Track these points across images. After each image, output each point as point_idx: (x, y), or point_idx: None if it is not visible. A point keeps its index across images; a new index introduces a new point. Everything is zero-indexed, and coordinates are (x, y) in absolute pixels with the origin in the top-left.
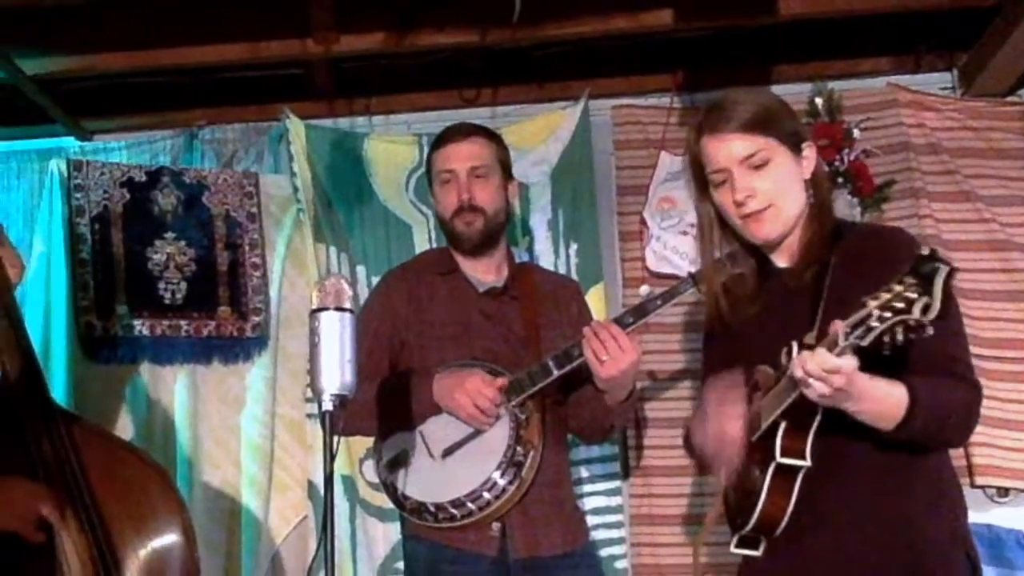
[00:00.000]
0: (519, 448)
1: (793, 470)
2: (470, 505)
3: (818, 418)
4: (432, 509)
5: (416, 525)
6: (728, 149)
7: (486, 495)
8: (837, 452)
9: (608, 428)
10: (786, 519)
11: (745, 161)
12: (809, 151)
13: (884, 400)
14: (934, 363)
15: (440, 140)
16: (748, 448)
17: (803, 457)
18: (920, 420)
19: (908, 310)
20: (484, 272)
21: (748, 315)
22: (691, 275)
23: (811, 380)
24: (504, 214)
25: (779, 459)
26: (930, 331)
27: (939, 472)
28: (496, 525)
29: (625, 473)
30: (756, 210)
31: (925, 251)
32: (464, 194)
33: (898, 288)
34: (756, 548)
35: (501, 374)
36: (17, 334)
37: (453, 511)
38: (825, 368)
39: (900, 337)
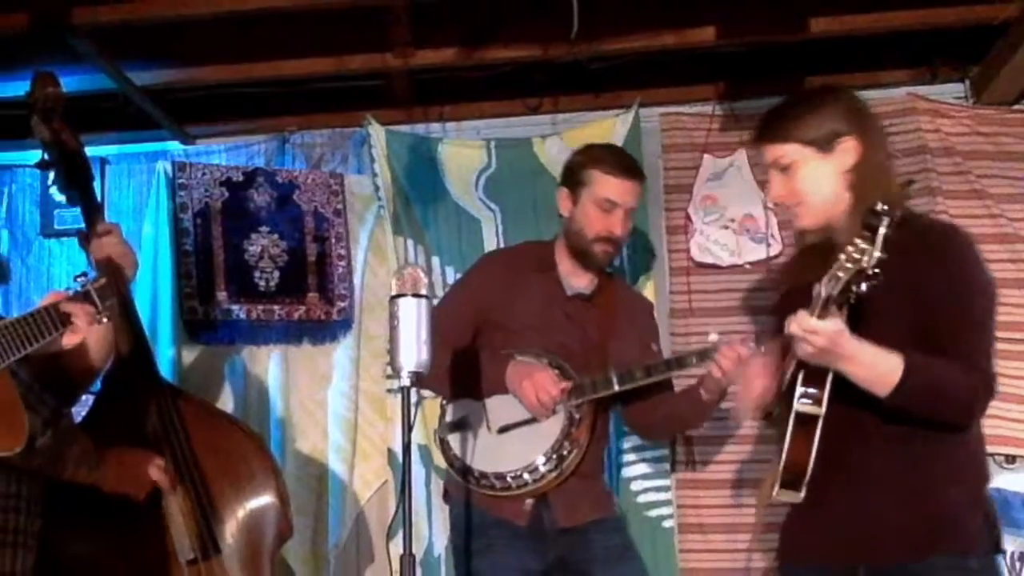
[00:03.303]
0: (566, 443)
1: (812, 419)
2: (510, 480)
3: (831, 373)
4: (476, 474)
5: (459, 485)
6: (763, 157)
7: (526, 476)
8: (862, 419)
9: (693, 424)
10: (810, 467)
11: (774, 165)
12: (846, 145)
13: (874, 365)
14: (952, 348)
15: (611, 166)
16: (781, 399)
17: (819, 405)
18: (911, 390)
19: (861, 259)
20: (578, 278)
21: (804, 283)
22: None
23: (797, 339)
24: None
25: (797, 407)
26: (879, 279)
27: (963, 441)
28: (529, 501)
29: (671, 447)
30: (789, 206)
31: (877, 207)
32: (618, 229)
33: (858, 241)
34: (798, 489)
35: (569, 374)
36: (129, 318)
37: (494, 481)
38: (804, 328)
39: (862, 286)
